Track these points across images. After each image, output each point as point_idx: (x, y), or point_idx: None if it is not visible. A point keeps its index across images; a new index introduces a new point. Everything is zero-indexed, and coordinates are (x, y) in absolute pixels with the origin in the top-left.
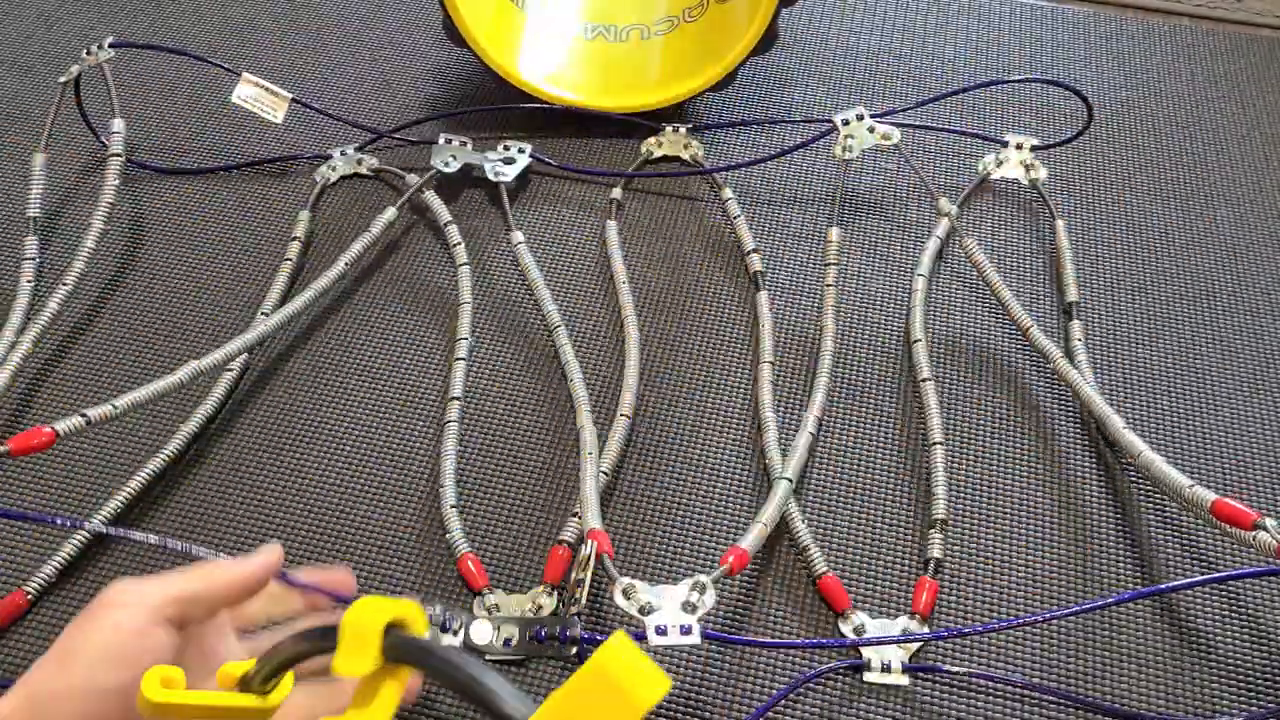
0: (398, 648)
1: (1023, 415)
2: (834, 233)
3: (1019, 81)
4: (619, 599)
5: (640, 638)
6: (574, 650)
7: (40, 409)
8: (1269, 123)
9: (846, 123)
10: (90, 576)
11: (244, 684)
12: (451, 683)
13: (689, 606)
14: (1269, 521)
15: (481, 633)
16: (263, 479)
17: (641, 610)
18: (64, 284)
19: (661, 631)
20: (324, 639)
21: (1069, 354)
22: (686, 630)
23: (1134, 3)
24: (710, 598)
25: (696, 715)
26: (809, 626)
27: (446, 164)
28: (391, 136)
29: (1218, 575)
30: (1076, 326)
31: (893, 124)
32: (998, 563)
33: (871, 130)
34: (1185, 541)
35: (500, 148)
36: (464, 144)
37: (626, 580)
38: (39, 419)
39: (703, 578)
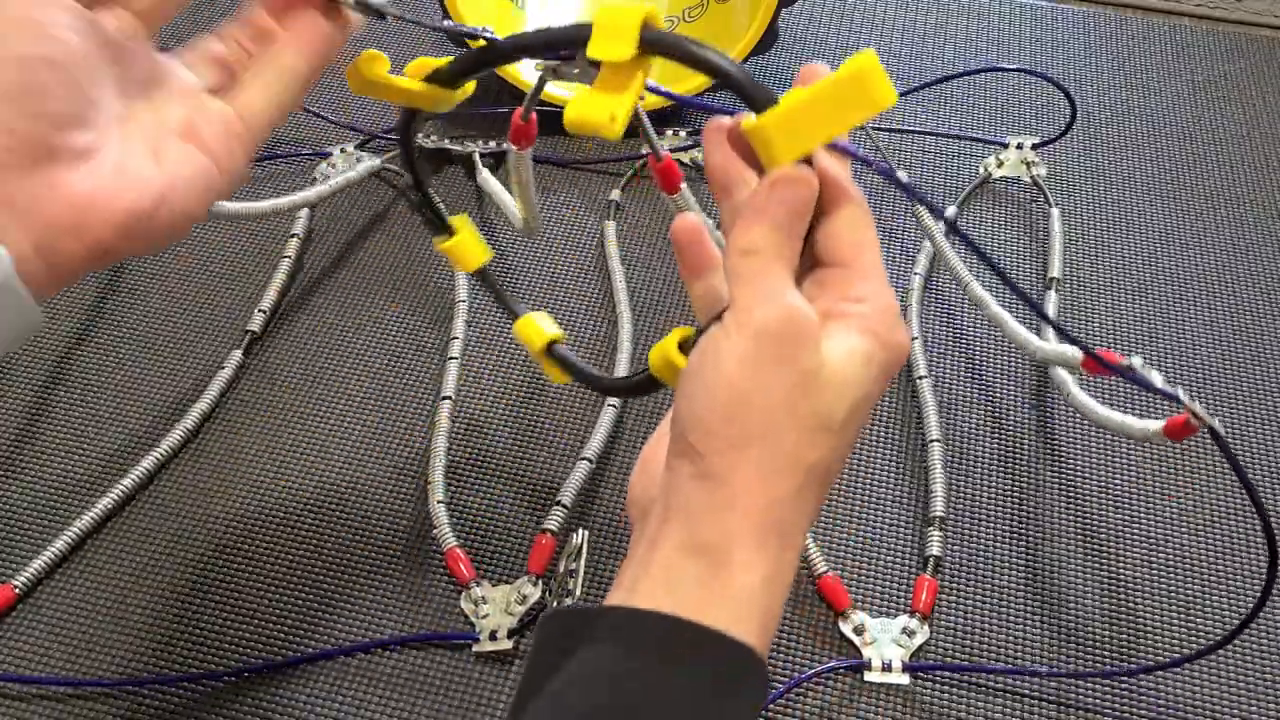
0: (655, 40)
1: (1021, 411)
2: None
3: (996, 70)
4: None
5: None
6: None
7: (40, 408)
8: (1269, 123)
9: None
10: (79, 570)
11: (434, 78)
12: (704, 68)
13: None
14: (1136, 360)
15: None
16: (257, 474)
17: None
18: None
19: None
20: (565, 36)
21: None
22: None
23: (1134, 3)
24: None
25: None
26: (808, 626)
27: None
28: (382, 137)
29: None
30: (1051, 296)
31: (892, 129)
32: (998, 560)
33: None
34: (1189, 530)
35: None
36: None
37: None
38: (39, 417)
39: None
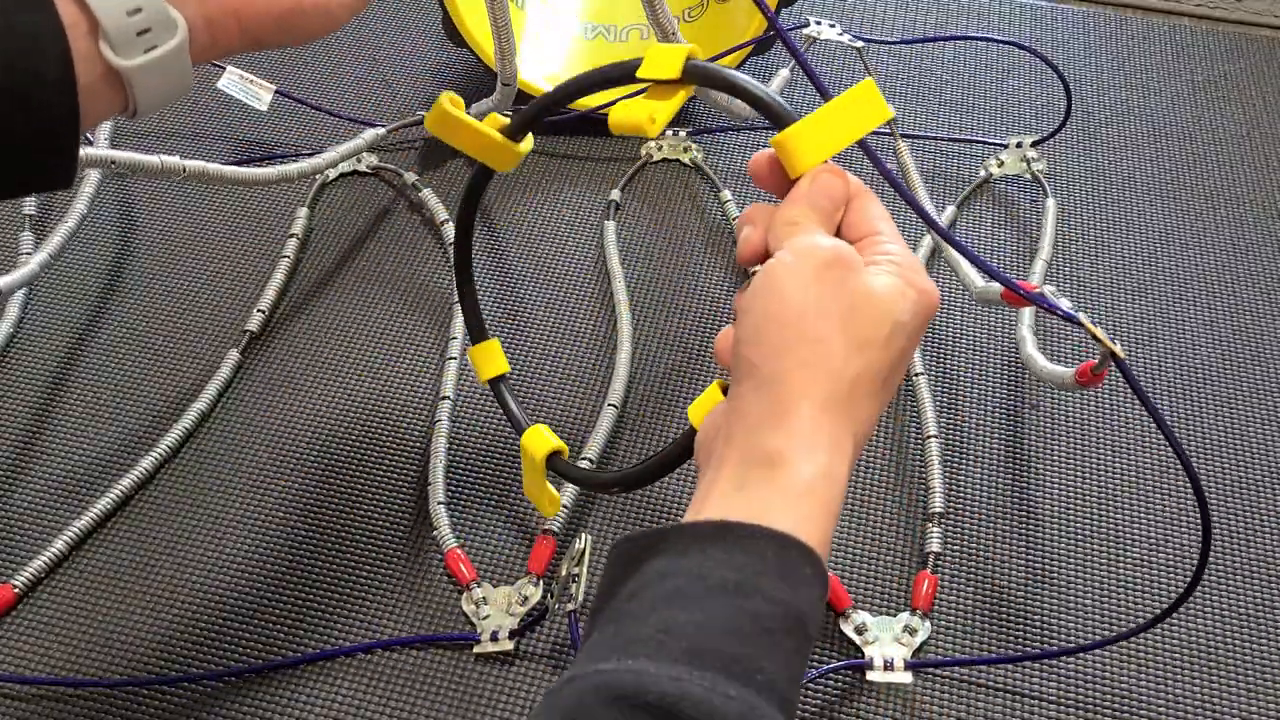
0: (697, 70)
1: (1018, 407)
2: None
3: (987, 40)
4: None
5: None
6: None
7: (40, 408)
8: (1269, 123)
9: (819, 23)
10: (79, 570)
11: (504, 132)
12: (738, 93)
13: None
14: (1047, 288)
15: None
16: (256, 475)
17: None
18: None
19: None
20: (614, 71)
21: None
22: None
23: (1134, 3)
24: None
25: None
26: None
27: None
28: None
29: None
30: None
31: (891, 134)
32: (998, 553)
33: (839, 35)
34: (1189, 523)
35: None
36: None
37: None
38: (39, 417)
39: None
